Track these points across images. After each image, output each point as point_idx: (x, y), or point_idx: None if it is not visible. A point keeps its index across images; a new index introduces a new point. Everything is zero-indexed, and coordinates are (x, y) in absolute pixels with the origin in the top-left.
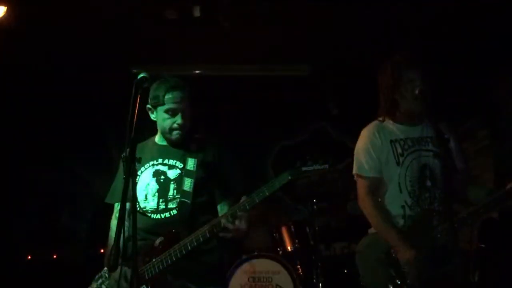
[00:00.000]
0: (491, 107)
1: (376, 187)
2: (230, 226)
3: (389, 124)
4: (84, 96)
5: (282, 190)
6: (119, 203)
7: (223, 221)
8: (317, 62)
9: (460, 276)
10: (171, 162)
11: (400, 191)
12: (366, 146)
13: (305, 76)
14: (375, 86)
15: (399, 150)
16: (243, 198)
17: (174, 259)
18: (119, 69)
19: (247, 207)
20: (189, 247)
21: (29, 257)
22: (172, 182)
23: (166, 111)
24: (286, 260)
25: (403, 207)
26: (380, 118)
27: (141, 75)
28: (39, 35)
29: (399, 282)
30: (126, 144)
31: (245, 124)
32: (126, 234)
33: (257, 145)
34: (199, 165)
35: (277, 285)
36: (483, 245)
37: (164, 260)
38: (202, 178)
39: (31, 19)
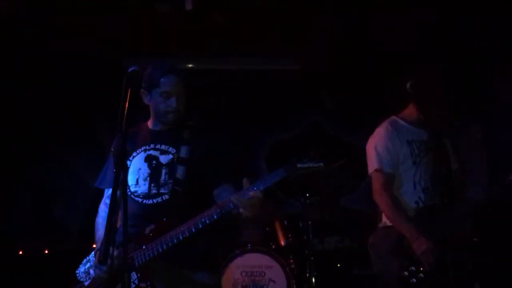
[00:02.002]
0: (484, 101)
1: (392, 182)
2: (244, 201)
3: (404, 123)
4: (76, 89)
5: (275, 184)
6: (109, 188)
7: (234, 197)
8: (311, 56)
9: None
10: (164, 147)
11: (415, 187)
12: (386, 143)
13: (299, 69)
14: (369, 80)
15: (416, 151)
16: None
17: (169, 245)
18: (110, 61)
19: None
20: (192, 231)
21: (21, 252)
22: (164, 167)
23: (161, 94)
24: (279, 254)
25: (417, 202)
26: (393, 117)
27: (132, 68)
28: (31, 30)
29: (414, 269)
30: (117, 136)
31: (239, 118)
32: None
33: (251, 139)
34: (192, 152)
35: (270, 279)
36: (476, 239)
37: (155, 248)
38: (195, 166)
39: (23, 13)
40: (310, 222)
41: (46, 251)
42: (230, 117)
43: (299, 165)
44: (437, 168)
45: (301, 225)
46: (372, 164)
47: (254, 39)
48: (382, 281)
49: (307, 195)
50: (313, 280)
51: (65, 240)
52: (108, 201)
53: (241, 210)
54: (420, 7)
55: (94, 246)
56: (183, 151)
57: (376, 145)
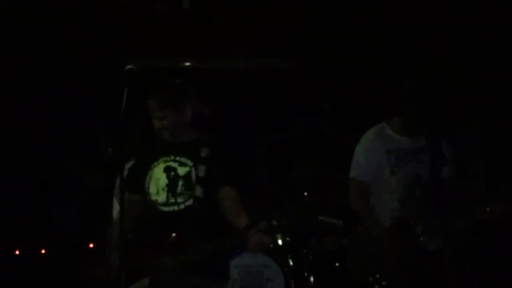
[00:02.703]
0: (483, 99)
1: (368, 189)
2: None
3: (389, 131)
4: (73, 88)
5: (273, 184)
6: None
7: (251, 238)
8: (309, 56)
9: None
10: (182, 159)
11: (391, 197)
12: (364, 153)
13: (297, 69)
14: (367, 80)
15: (394, 161)
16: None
17: (185, 261)
18: (108, 61)
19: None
20: (206, 252)
21: (17, 252)
22: (180, 179)
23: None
24: (277, 254)
25: (392, 210)
26: (383, 123)
27: (128, 67)
28: (28, 30)
29: (378, 276)
30: (113, 136)
31: (236, 118)
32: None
33: (248, 139)
34: (209, 171)
35: (268, 278)
36: (474, 238)
37: (173, 259)
38: (212, 184)
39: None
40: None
41: (43, 251)
42: (226, 116)
43: (321, 218)
44: (416, 179)
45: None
46: (351, 170)
47: (251, 38)
48: (355, 283)
49: (305, 194)
50: (311, 279)
51: (62, 239)
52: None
53: (250, 246)
54: (421, 7)
55: (91, 246)
56: (201, 171)
57: (357, 153)
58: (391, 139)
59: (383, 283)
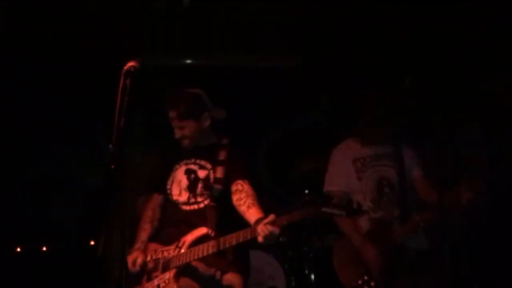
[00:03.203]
0: (483, 98)
1: (343, 198)
2: (266, 233)
3: (355, 144)
4: (73, 87)
5: (274, 182)
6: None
7: (259, 228)
8: (309, 53)
9: (423, 272)
10: (202, 162)
11: (364, 198)
12: (334, 166)
13: (297, 67)
14: (367, 78)
15: (359, 167)
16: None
17: (205, 254)
18: (109, 60)
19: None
20: (224, 246)
21: (18, 250)
22: (200, 181)
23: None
24: (278, 252)
25: (367, 212)
26: (351, 139)
27: (130, 64)
28: (29, 30)
29: (366, 278)
30: (114, 134)
31: (236, 115)
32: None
33: (248, 136)
34: (226, 172)
35: (269, 276)
36: (474, 237)
37: (193, 253)
38: (228, 184)
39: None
40: (308, 219)
41: (44, 249)
42: (228, 115)
43: (323, 209)
44: (382, 180)
45: (300, 222)
46: (325, 185)
47: (251, 36)
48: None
49: (306, 192)
50: (312, 277)
51: (63, 238)
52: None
53: (260, 238)
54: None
55: (92, 243)
56: (219, 172)
57: (328, 167)
58: (355, 149)
59: (372, 283)
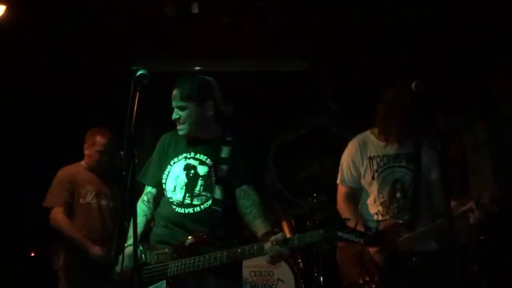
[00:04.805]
0: (490, 100)
1: (355, 195)
2: (274, 254)
3: (373, 139)
4: (83, 92)
5: (282, 184)
6: (148, 186)
7: (268, 248)
8: (316, 57)
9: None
10: (203, 157)
11: (375, 201)
12: (349, 160)
13: (304, 70)
14: (374, 80)
15: (375, 167)
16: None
17: (201, 267)
18: (119, 66)
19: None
20: (224, 261)
21: (32, 254)
22: (200, 178)
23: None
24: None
25: (376, 214)
26: (368, 131)
27: (140, 71)
28: (37, 32)
29: (367, 279)
30: (125, 141)
31: (244, 119)
32: (149, 217)
33: (257, 140)
34: (229, 172)
35: (278, 279)
36: (482, 237)
37: (190, 264)
38: (231, 184)
39: (29, 17)
40: (317, 222)
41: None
42: (236, 118)
43: (339, 234)
44: (396, 183)
45: (308, 224)
46: (338, 176)
47: (259, 41)
48: (344, 285)
49: (314, 195)
50: (321, 279)
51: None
52: (145, 198)
53: (267, 258)
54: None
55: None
56: (222, 172)
57: (343, 160)
58: (375, 145)
59: (373, 285)
